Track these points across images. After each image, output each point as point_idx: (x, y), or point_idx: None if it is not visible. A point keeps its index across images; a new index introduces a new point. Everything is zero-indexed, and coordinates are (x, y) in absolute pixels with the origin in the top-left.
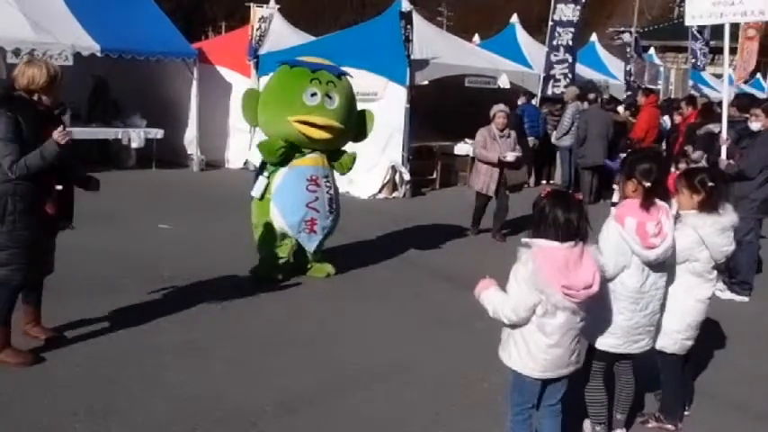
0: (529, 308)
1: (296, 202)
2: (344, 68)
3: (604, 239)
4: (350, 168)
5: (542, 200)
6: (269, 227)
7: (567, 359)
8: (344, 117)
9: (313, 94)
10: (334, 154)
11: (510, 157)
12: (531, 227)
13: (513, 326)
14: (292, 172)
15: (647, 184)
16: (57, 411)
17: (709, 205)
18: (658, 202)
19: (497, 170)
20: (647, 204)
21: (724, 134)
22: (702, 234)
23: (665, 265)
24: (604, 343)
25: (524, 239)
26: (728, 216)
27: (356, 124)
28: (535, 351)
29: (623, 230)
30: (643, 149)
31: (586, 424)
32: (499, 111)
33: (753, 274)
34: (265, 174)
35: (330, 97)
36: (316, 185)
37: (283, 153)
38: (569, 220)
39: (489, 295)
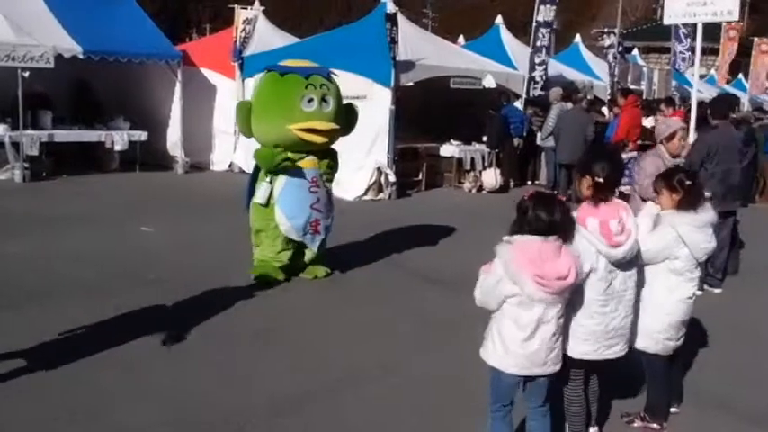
0: (495, 295)
1: (301, 204)
2: (330, 69)
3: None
4: (330, 174)
5: (525, 201)
6: (275, 232)
7: (545, 356)
8: (338, 117)
9: (310, 100)
10: (324, 154)
11: None
12: (513, 226)
13: (491, 314)
14: (294, 175)
15: (600, 180)
16: (38, 417)
17: (686, 203)
18: (616, 200)
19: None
20: (597, 199)
21: (692, 136)
22: (681, 232)
23: (633, 265)
24: (578, 351)
25: (505, 237)
26: (707, 213)
27: (344, 120)
28: (510, 345)
29: (587, 233)
30: (597, 147)
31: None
32: (680, 128)
33: (723, 264)
34: (267, 179)
35: (326, 101)
36: (316, 186)
37: (284, 164)
38: (552, 222)
39: (482, 274)
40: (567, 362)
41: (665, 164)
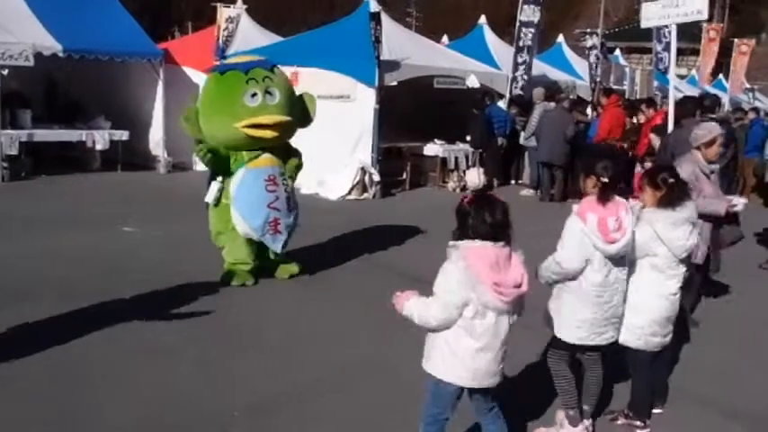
0: (458, 306)
1: (257, 204)
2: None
3: (567, 235)
4: (294, 174)
5: (466, 205)
6: (233, 233)
7: (496, 367)
8: (288, 108)
9: (253, 95)
10: (284, 151)
11: (740, 205)
12: (457, 231)
13: (436, 330)
14: (249, 174)
15: (605, 180)
16: (21, 419)
17: (666, 201)
18: (617, 197)
19: (709, 226)
20: (604, 199)
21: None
22: (657, 228)
23: (625, 260)
24: (571, 335)
25: (451, 242)
26: (684, 211)
27: (300, 111)
28: (463, 357)
29: (585, 227)
30: (598, 146)
31: (559, 413)
32: (720, 134)
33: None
34: (219, 179)
35: (270, 93)
36: (274, 185)
37: (211, 158)
38: (495, 223)
39: (411, 304)
40: (557, 344)
41: (701, 170)
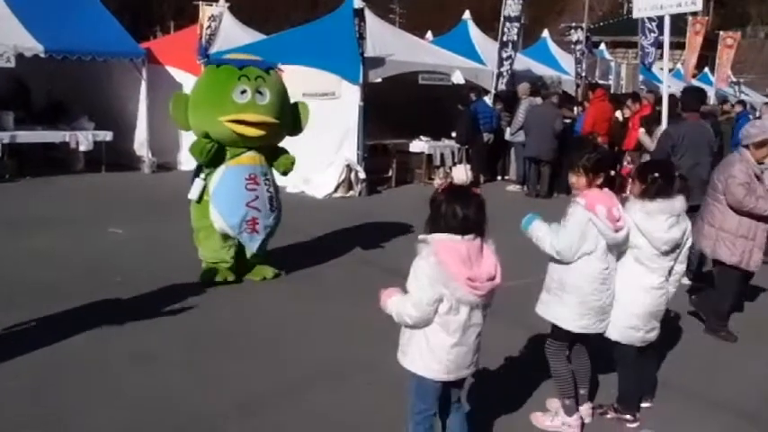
0: (431, 302)
1: (235, 201)
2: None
3: (571, 223)
4: (288, 169)
5: (439, 196)
6: (210, 230)
7: (471, 359)
8: (277, 111)
9: (243, 92)
10: (271, 152)
11: None
12: (428, 223)
13: (415, 326)
14: (230, 171)
15: (604, 174)
16: (5, 425)
17: (645, 193)
18: (606, 189)
19: (765, 229)
20: (607, 191)
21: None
22: (635, 219)
23: (620, 248)
24: (577, 325)
25: (421, 236)
26: (662, 203)
27: (291, 118)
28: (439, 352)
29: (596, 217)
30: (584, 140)
31: (553, 402)
32: None
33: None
34: (202, 176)
35: (261, 93)
36: (255, 184)
37: (213, 153)
38: (467, 216)
39: (393, 302)
40: (558, 335)
41: (753, 170)
